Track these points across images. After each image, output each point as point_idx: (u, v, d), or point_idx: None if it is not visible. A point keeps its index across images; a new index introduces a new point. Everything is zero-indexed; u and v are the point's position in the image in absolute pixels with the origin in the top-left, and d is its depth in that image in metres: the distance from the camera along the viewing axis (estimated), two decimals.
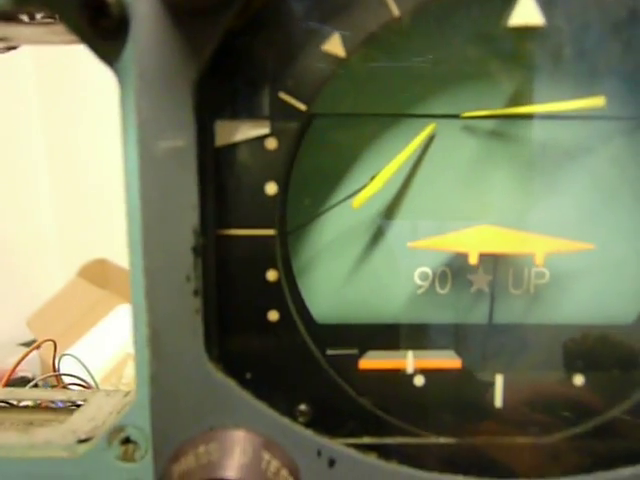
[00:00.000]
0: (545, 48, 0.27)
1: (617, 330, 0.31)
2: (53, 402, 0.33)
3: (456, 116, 0.29)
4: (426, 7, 0.26)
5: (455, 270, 0.31)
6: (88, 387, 0.64)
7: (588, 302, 0.31)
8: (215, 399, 0.25)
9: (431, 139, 0.30)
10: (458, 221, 0.30)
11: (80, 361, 0.64)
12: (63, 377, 0.69)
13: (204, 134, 0.24)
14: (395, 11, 0.25)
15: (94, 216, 1.36)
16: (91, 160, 1.34)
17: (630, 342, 0.31)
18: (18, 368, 1.16)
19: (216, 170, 0.25)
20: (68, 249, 1.42)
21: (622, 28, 0.25)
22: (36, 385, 0.56)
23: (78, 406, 0.33)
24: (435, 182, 0.30)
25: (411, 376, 0.29)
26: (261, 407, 0.25)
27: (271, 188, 0.26)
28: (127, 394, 0.34)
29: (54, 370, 0.64)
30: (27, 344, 1.24)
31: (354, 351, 0.29)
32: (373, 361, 0.29)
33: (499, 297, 0.31)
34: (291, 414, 0.28)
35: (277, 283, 0.27)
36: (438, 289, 0.31)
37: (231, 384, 0.25)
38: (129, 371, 1.01)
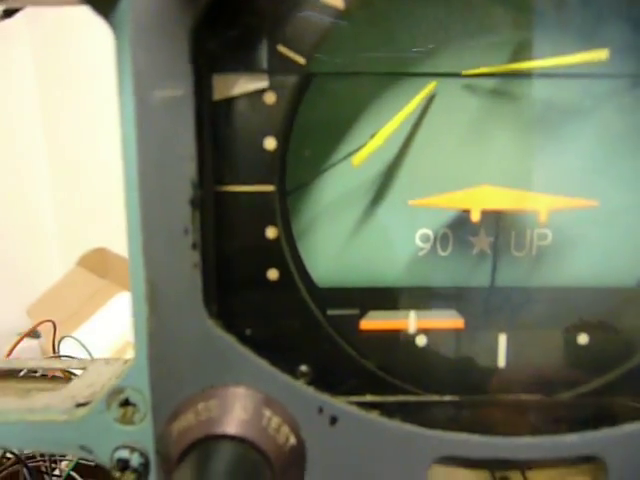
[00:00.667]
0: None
1: (620, 293, 0.30)
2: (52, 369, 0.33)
3: (457, 74, 0.29)
4: None
5: (456, 231, 0.30)
6: None
7: (591, 264, 0.31)
8: (215, 356, 0.25)
9: (432, 98, 0.29)
10: (460, 180, 0.29)
11: (81, 342, 0.64)
12: (63, 358, 0.69)
13: (201, 86, 0.24)
14: None
15: (94, 205, 1.36)
16: (91, 150, 1.34)
17: (633, 305, 0.30)
18: (18, 357, 1.16)
19: (214, 123, 0.25)
20: (68, 238, 1.42)
21: None
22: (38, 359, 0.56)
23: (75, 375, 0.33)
24: (436, 141, 0.30)
25: (413, 336, 0.29)
26: (262, 364, 0.25)
27: (270, 143, 0.26)
28: (127, 361, 0.34)
29: (54, 351, 0.64)
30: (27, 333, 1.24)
31: (355, 311, 0.29)
32: (374, 321, 0.29)
33: (501, 259, 0.31)
34: (292, 374, 0.27)
35: (277, 241, 0.27)
36: (440, 251, 0.31)
37: (231, 340, 0.25)
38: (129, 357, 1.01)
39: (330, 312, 0.28)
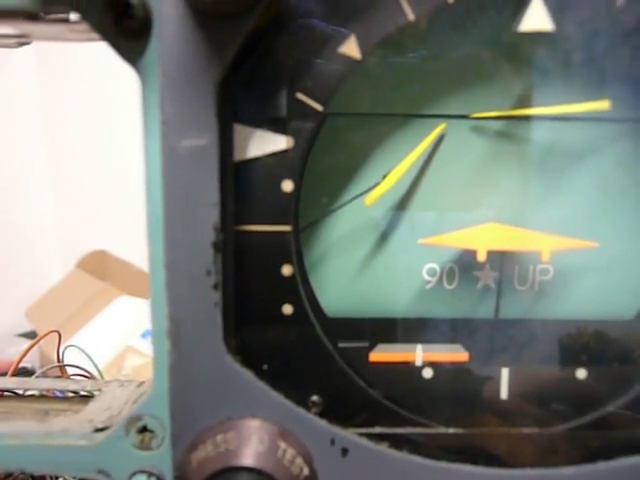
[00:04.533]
0: (553, 52, 0.28)
1: (618, 326, 0.32)
2: (66, 392, 0.34)
3: (466, 116, 0.30)
4: (440, 11, 0.26)
5: (462, 267, 0.32)
6: (92, 378, 0.64)
7: (590, 298, 0.32)
8: (233, 389, 0.26)
9: (441, 138, 0.31)
10: (466, 219, 0.30)
11: (85, 352, 0.64)
12: (66, 368, 0.70)
13: (224, 134, 0.25)
14: (410, 15, 0.26)
15: (94, 208, 1.37)
16: (91, 152, 1.34)
17: (630, 337, 0.32)
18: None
19: (236, 168, 0.26)
20: (67, 240, 1.43)
21: (630, 36, 0.26)
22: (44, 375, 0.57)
23: (90, 396, 0.34)
24: (444, 180, 0.31)
25: (420, 368, 0.30)
26: (277, 397, 0.26)
27: (287, 186, 0.27)
28: (141, 384, 0.35)
29: (58, 361, 0.65)
30: (26, 335, 1.25)
31: (365, 344, 0.30)
32: (383, 354, 0.30)
33: (505, 293, 0.32)
34: (304, 405, 0.28)
35: (292, 278, 0.28)
36: (446, 284, 0.32)
37: (249, 375, 0.26)
38: (129, 363, 1.02)
39: (341, 344, 0.29)
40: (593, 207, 0.31)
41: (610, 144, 0.31)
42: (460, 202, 0.31)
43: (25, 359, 1.09)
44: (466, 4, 0.26)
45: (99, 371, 0.68)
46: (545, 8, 0.26)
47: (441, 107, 0.30)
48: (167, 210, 0.24)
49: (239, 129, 0.26)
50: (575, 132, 0.30)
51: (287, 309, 0.28)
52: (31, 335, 1.24)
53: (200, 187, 0.24)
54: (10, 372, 0.57)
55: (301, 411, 0.26)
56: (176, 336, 0.25)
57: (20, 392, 0.35)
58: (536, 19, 0.26)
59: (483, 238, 0.30)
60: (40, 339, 0.62)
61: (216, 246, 0.25)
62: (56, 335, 1.13)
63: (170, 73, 0.23)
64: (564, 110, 0.29)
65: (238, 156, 0.26)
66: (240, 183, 0.26)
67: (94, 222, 1.40)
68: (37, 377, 0.57)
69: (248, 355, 0.27)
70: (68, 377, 0.62)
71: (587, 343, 0.31)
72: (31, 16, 0.28)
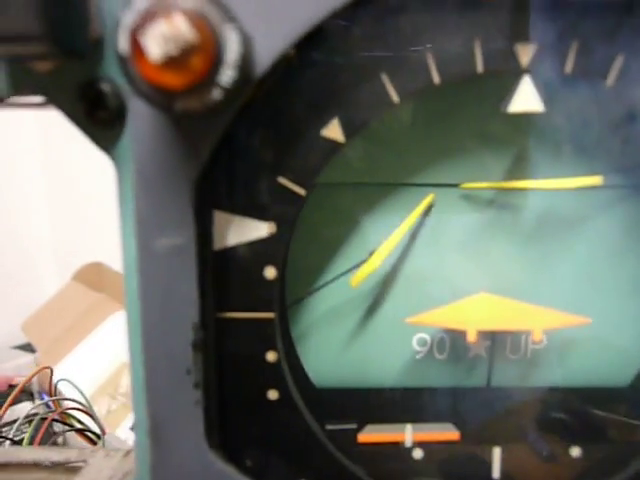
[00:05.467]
0: (543, 131, 0.27)
1: (613, 394, 0.31)
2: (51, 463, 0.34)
3: (455, 185, 0.29)
4: (425, 94, 0.25)
5: (453, 336, 0.31)
6: (85, 411, 0.64)
7: (583, 367, 0.31)
8: None
9: (429, 208, 0.30)
10: (456, 290, 0.30)
11: (76, 387, 0.64)
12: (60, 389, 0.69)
13: (203, 228, 0.24)
14: (395, 97, 0.25)
15: (90, 219, 1.36)
16: (86, 163, 1.33)
17: (625, 406, 0.31)
18: (15, 374, 1.17)
19: (216, 256, 0.25)
20: (63, 252, 1.42)
21: (620, 116, 0.25)
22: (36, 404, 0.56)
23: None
24: (433, 251, 0.30)
25: (410, 449, 0.29)
26: None
27: (270, 272, 0.26)
28: (127, 454, 0.34)
29: (51, 394, 0.64)
30: (22, 347, 1.24)
31: (353, 426, 0.29)
32: (372, 435, 0.29)
33: (497, 362, 0.31)
34: None
35: (277, 363, 0.27)
36: (436, 354, 0.31)
37: (231, 472, 0.25)
38: (126, 380, 1.01)
39: (329, 427, 0.29)
40: (585, 278, 0.30)
41: (603, 213, 0.30)
42: (449, 273, 0.30)
43: (22, 374, 1.09)
44: (452, 85, 0.25)
45: (88, 402, 0.68)
46: (534, 90, 0.25)
47: (429, 177, 0.29)
48: (144, 308, 0.24)
49: (219, 216, 0.25)
50: (566, 202, 0.29)
51: (273, 394, 0.27)
52: (27, 348, 1.23)
53: (178, 285, 0.23)
54: (4, 409, 0.57)
55: None
56: (156, 435, 0.24)
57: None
58: (525, 101, 0.25)
59: (472, 315, 0.29)
60: (33, 376, 0.61)
61: (196, 345, 0.24)
62: (52, 350, 1.13)
63: (144, 171, 0.23)
64: (556, 185, 0.28)
65: (218, 244, 0.25)
66: (221, 272, 0.26)
67: (90, 234, 1.39)
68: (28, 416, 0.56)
69: (231, 449, 0.26)
70: (62, 412, 0.62)
71: (581, 417, 0.30)
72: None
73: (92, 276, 1.31)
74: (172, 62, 0.18)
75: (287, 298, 0.29)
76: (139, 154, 0.23)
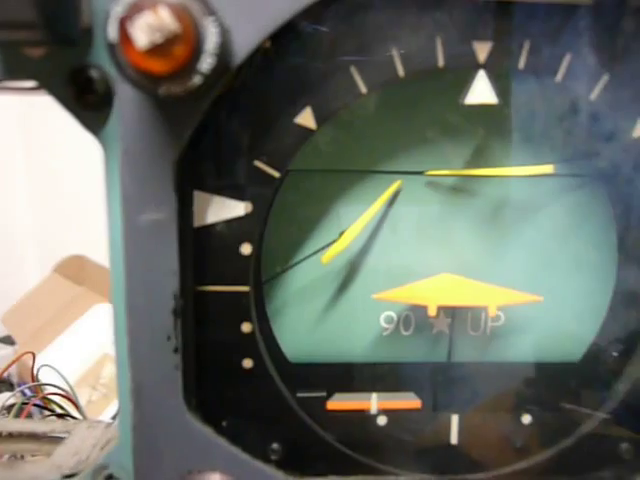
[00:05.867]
0: (499, 121, 0.29)
1: (565, 368, 0.34)
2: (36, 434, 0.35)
3: (420, 173, 0.32)
4: (391, 85, 0.28)
5: (418, 314, 0.33)
6: (67, 396, 0.65)
7: (538, 342, 0.34)
8: (193, 445, 0.27)
9: (396, 194, 0.32)
10: (420, 271, 0.32)
11: (58, 372, 0.65)
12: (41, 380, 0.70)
13: (184, 205, 0.26)
14: (363, 88, 0.27)
15: (71, 212, 1.36)
16: (69, 155, 1.33)
17: (576, 380, 0.34)
18: None
19: (196, 233, 0.27)
20: (45, 245, 1.42)
21: (570, 107, 0.28)
22: (16, 390, 0.57)
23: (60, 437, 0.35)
24: (400, 234, 0.32)
25: (375, 416, 0.32)
26: (236, 452, 0.28)
27: (246, 248, 0.28)
28: (109, 425, 0.36)
29: (33, 380, 0.66)
30: (2, 340, 1.24)
31: (322, 393, 0.31)
32: (340, 403, 0.31)
33: (458, 338, 0.34)
34: (264, 452, 0.30)
35: (251, 333, 0.29)
36: (402, 331, 0.33)
37: (208, 432, 0.27)
38: (107, 371, 1.02)
39: (300, 394, 0.31)
40: (539, 259, 0.33)
41: (555, 199, 0.32)
42: (414, 255, 0.32)
43: (1, 365, 1.09)
44: (415, 78, 0.27)
45: (72, 388, 0.69)
46: (489, 83, 0.27)
47: (396, 164, 0.31)
48: (128, 279, 0.25)
49: (199, 195, 0.27)
50: (523, 188, 0.32)
51: (247, 363, 0.29)
52: (7, 340, 1.23)
53: (160, 257, 0.25)
54: None
55: (259, 464, 0.28)
56: (138, 397, 0.26)
57: None
58: (481, 93, 0.28)
59: (434, 292, 0.31)
60: (15, 361, 0.62)
61: (176, 312, 0.26)
62: (33, 343, 1.13)
63: (130, 151, 0.24)
64: (511, 172, 0.31)
65: (198, 222, 0.27)
66: (200, 247, 0.28)
67: (72, 226, 1.39)
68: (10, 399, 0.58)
69: (208, 412, 0.28)
70: (43, 396, 0.63)
71: (533, 388, 0.33)
72: None
73: (73, 269, 1.31)
74: (157, 50, 0.20)
75: (262, 275, 0.31)
76: (125, 135, 0.25)
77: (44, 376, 0.73)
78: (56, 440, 0.36)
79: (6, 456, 0.37)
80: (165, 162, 0.24)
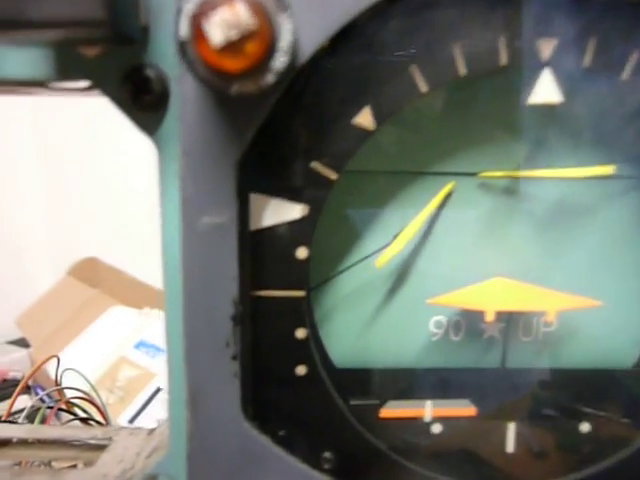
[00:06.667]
0: (559, 120, 0.28)
1: (619, 374, 0.33)
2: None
3: (474, 174, 0.31)
4: (452, 84, 0.27)
5: (469, 319, 0.32)
6: (90, 400, 0.65)
7: (592, 348, 0.33)
8: (250, 455, 0.26)
9: (449, 195, 0.31)
10: (472, 275, 0.31)
11: (83, 376, 0.65)
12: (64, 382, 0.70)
13: (243, 208, 0.25)
14: (423, 87, 0.26)
15: (85, 215, 1.36)
16: (82, 158, 1.33)
17: (629, 386, 0.33)
18: (9, 368, 1.16)
19: (252, 237, 0.27)
20: (58, 247, 1.42)
21: (633, 115, 0.27)
22: (38, 397, 0.57)
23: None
24: (452, 237, 0.32)
25: (429, 424, 0.31)
26: (293, 462, 0.27)
27: (302, 252, 0.28)
28: (151, 432, 0.35)
29: (56, 384, 0.65)
30: (16, 342, 1.24)
31: (375, 401, 0.31)
32: (393, 410, 0.31)
33: (510, 343, 0.33)
34: (317, 460, 0.29)
35: (305, 340, 0.28)
36: (452, 336, 0.33)
37: (266, 441, 0.26)
38: (123, 374, 1.02)
39: (353, 402, 0.30)
40: (597, 263, 0.32)
41: (615, 201, 0.31)
42: (467, 258, 0.32)
43: (16, 368, 1.09)
44: (477, 77, 0.27)
45: (96, 392, 0.68)
46: (554, 82, 0.27)
47: (449, 165, 0.31)
48: (186, 283, 0.25)
49: (255, 198, 0.27)
50: (581, 190, 0.31)
51: (301, 370, 0.29)
52: (22, 343, 1.23)
53: (219, 261, 0.25)
54: (6, 413, 0.57)
55: (315, 473, 0.27)
56: (195, 406, 0.26)
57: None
58: (545, 92, 0.27)
59: (490, 297, 0.30)
60: (41, 365, 0.62)
61: (235, 319, 0.25)
62: (47, 346, 1.13)
63: (191, 152, 0.24)
64: (570, 174, 0.30)
65: (254, 225, 0.27)
66: (256, 251, 0.27)
67: (85, 229, 1.39)
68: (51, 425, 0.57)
69: (264, 420, 0.27)
70: (67, 401, 0.63)
71: (589, 395, 0.32)
72: (42, 84, 0.28)
73: (87, 271, 1.31)
74: (231, 47, 0.19)
75: (313, 279, 0.30)
76: (186, 136, 0.24)
77: (64, 380, 0.72)
78: (94, 447, 0.35)
79: (35, 462, 0.36)
80: (227, 163, 0.24)
